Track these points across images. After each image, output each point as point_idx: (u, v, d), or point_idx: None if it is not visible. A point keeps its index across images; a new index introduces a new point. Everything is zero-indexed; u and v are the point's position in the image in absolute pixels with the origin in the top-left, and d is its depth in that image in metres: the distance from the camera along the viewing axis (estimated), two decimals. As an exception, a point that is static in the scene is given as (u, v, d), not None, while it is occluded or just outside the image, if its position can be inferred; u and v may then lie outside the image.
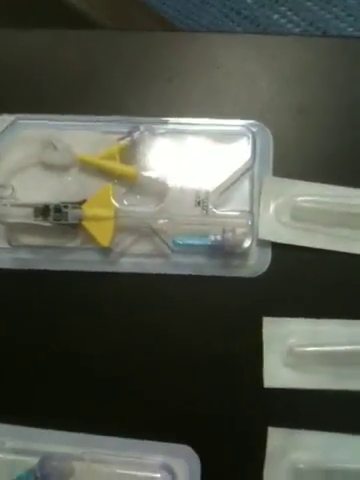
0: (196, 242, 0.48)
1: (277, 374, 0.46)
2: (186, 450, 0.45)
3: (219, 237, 0.47)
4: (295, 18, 0.83)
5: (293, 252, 0.48)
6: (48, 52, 0.54)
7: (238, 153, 0.50)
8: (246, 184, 0.50)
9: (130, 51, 0.54)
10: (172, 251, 0.48)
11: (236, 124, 0.51)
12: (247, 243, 0.48)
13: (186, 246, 0.48)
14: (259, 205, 0.49)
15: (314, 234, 0.48)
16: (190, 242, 0.48)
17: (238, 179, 0.50)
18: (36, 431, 0.46)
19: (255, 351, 0.46)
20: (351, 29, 0.82)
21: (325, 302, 0.47)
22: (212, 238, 0.47)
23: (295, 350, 0.46)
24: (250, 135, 0.50)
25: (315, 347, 0.46)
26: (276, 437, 0.44)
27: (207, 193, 0.49)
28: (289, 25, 0.84)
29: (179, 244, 0.48)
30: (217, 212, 0.49)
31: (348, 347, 0.46)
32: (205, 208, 0.49)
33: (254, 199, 0.50)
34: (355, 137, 0.51)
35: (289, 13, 0.83)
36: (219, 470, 0.45)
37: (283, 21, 0.84)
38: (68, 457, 0.45)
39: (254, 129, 0.51)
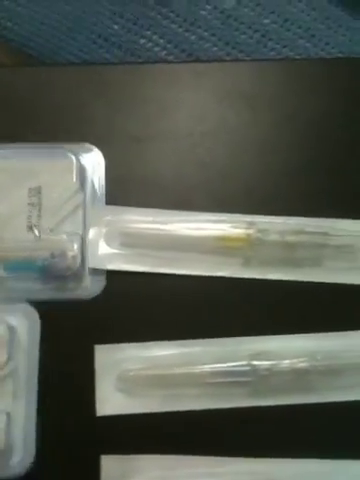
0: (25, 267, 0.48)
1: (109, 401, 0.46)
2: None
3: (47, 261, 0.48)
4: (161, 41, 0.85)
5: (126, 277, 0.49)
6: None
7: (68, 177, 0.51)
8: (78, 207, 0.51)
9: None
10: (4, 278, 0.48)
11: (63, 147, 0.52)
12: (76, 265, 0.48)
13: (16, 271, 0.48)
14: (88, 234, 0.50)
15: (143, 258, 0.49)
16: (19, 267, 0.48)
17: (68, 202, 0.50)
18: None
19: (89, 378, 0.46)
20: (215, 48, 0.84)
21: (157, 325, 0.48)
22: (40, 263, 0.48)
23: (125, 375, 0.46)
24: (75, 157, 0.51)
25: (144, 371, 0.46)
26: (110, 465, 0.44)
27: (38, 217, 0.50)
28: (156, 48, 0.85)
29: (9, 270, 0.48)
30: (49, 236, 0.49)
31: (176, 369, 0.47)
32: (37, 233, 0.49)
33: (86, 221, 0.50)
34: (187, 163, 0.53)
35: (154, 37, 0.85)
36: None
37: (150, 45, 0.85)
38: None
39: (81, 150, 0.52)
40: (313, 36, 0.86)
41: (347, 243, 0.49)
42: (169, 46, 0.85)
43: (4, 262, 0.48)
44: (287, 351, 0.47)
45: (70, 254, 0.48)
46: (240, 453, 0.44)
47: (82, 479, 0.45)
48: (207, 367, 0.46)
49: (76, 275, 0.49)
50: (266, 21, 0.85)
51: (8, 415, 0.45)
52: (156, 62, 0.78)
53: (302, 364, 0.46)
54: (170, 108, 0.55)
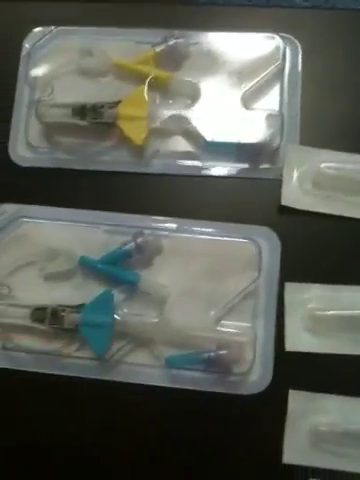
0: (223, 145, 0.49)
1: (298, 338, 0.46)
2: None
3: (244, 140, 0.49)
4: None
5: (316, 219, 0.49)
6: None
7: (269, 60, 0.52)
8: (277, 87, 0.52)
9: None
10: (204, 152, 0.50)
11: (267, 36, 0.53)
12: (276, 142, 0.49)
13: (216, 146, 0.49)
14: (283, 173, 0.50)
15: (335, 201, 0.49)
16: (220, 142, 0.49)
17: (269, 81, 0.52)
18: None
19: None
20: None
21: (345, 269, 0.48)
22: (242, 141, 0.49)
23: (315, 314, 0.46)
24: (281, 44, 0.52)
25: (335, 311, 0.46)
26: (297, 400, 0.45)
27: (240, 95, 0.51)
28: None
29: (211, 144, 0.49)
30: (246, 116, 0.50)
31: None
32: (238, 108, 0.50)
33: (283, 102, 0.51)
34: None
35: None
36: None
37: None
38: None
39: (284, 43, 0.53)
40: None
41: None
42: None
43: (207, 138, 0.49)
44: None
45: (269, 133, 0.49)
46: None
47: (269, 411, 0.45)
48: None
49: (271, 154, 0.50)
50: None
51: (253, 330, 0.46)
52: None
53: None
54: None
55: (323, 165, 0.49)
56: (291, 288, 0.47)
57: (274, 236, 0.48)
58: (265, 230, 0.48)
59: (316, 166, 0.49)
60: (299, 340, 0.46)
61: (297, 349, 0.46)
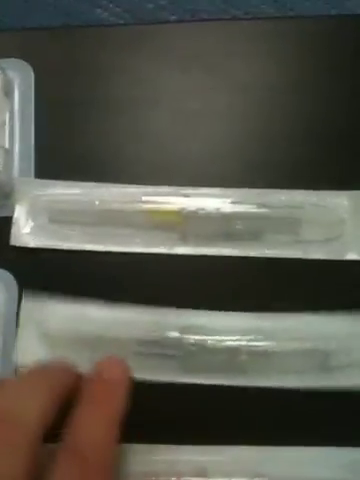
0: None
1: (31, 353, 0.45)
2: None
3: None
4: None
5: (56, 255, 0.48)
6: None
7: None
8: (5, 122, 0.49)
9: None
10: None
11: None
12: (4, 178, 0.47)
13: None
14: (13, 208, 0.47)
15: (72, 234, 0.48)
16: None
17: None
18: None
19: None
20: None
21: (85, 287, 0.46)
22: None
23: (49, 332, 0.45)
24: (1, 71, 0.49)
25: (69, 330, 0.45)
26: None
27: None
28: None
29: None
30: None
31: (103, 332, 0.45)
32: None
33: (14, 134, 0.49)
34: (122, 133, 0.51)
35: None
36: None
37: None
38: None
39: (7, 64, 0.50)
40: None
41: (287, 215, 0.47)
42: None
43: None
44: (219, 328, 0.45)
45: None
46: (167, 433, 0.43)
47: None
48: (134, 334, 0.45)
49: (2, 191, 0.47)
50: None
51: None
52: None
53: (232, 343, 0.43)
54: (107, 73, 0.52)
55: (58, 198, 0.47)
56: (28, 303, 0.46)
57: (11, 278, 0.46)
58: (1, 273, 0.46)
59: (51, 199, 0.47)
60: (32, 355, 0.45)
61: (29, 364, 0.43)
